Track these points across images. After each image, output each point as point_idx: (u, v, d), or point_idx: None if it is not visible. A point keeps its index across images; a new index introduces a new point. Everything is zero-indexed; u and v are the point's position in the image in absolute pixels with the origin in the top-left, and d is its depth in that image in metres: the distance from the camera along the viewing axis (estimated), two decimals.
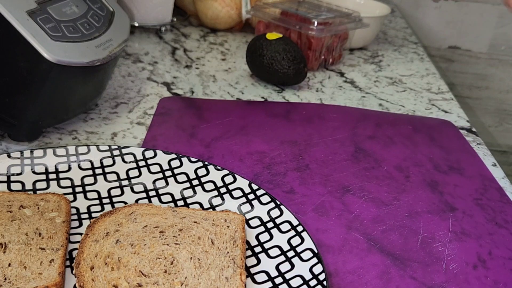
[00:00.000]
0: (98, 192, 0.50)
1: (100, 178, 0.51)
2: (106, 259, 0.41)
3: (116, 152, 0.53)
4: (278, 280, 0.42)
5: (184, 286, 0.40)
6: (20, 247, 0.41)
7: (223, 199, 0.50)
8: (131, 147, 0.54)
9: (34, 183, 0.50)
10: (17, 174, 0.50)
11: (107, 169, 0.52)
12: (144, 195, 0.51)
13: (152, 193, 0.51)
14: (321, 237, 0.49)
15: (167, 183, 0.52)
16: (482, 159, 0.66)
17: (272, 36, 0.77)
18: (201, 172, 0.52)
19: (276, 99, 0.76)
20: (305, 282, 0.41)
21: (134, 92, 0.74)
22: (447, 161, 0.64)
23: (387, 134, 0.68)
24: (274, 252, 0.45)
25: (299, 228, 0.46)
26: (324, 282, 0.41)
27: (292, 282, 0.42)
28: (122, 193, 0.50)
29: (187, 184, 0.52)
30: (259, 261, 0.44)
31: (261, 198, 0.50)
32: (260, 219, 0.48)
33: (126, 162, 0.53)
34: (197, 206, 0.50)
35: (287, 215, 0.47)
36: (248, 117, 0.69)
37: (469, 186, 0.60)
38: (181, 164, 0.53)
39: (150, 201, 0.50)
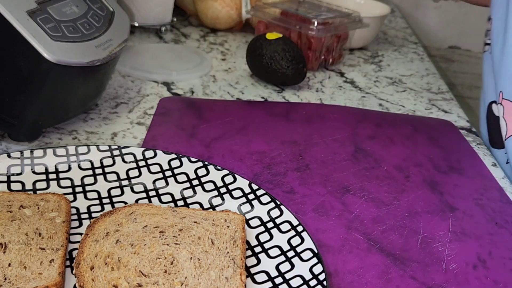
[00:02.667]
0: (98, 192, 0.50)
1: (100, 178, 0.51)
2: (106, 259, 0.41)
3: (116, 152, 0.53)
4: (278, 280, 0.42)
5: (184, 286, 0.40)
6: (20, 247, 0.41)
7: (223, 199, 0.50)
8: (131, 147, 0.54)
9: (34, 183, 0.50)
10: (17, 174, 0.50)
11: (107, 169, 0.52)
12: (144, 195, 0.51)
13: (152, 193, 0.51)
14: (321, 237, 0.49)
15: (167, 183, 0.52)
16: (482, 159, 0.66)
17: (271, 36, 0.77)
18: (201, 172, 0.52)
19: (276, 99, 0.76)
20: (305, 282, 0.41)
21: (134, 92, 0.74)
22: (447, 161, 0.64)
23: (387, 134, 0.68)
24: (274, 252, 0.45)
25: (299, 228, 0.46)
26: (324, 282, 0.41)
27: (292, 282, 0.42)
28: (122, 193, 0.50)
29: (187, 184, 0.52)
30: (259, 261, 0.44)
31: (261, 198, 0.50)
32: (260, 219, 0.48)
33: (126, 162, 0.53)
34: (197, 206, 0.50)
35: (287, 215, 0.47)
36: (248, 117, 0.69)
37: (469, 186, 0.60)
38: (181, 164, 0.53)
39: (150, 201, 0.50)
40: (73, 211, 0.48)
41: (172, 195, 0.51)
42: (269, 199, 0.49)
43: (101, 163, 0.52)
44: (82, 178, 0.51)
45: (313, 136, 0.66)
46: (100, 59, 0.56)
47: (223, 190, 0.51)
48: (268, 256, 0.45)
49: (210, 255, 0.43)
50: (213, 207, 0.50)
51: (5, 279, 0.38)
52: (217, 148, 0.61)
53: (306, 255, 0.44)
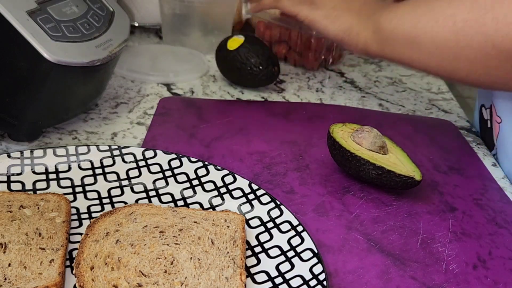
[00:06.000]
0: (98, 192, 0.50)
1: (100, 178, 0.51)
2: (106, 259, 0.41)
3: (116, 152, 0.53)
4: (278, 280, 0.42)
5: (184, 286, 0.40)
6: (20, 247, 0.41)
7: (223, 199, 0.50)
8: (131, 147, 0.54)
9: (34, 183, 0.50)
10: (17, 174, 0.50)
11: (107, 169, 0.52)
12: (144, 195, 0.51)
13: (152, 193, 0.51)
14: (321, 237, 0.49)
15: (167, 183, 0.52)
16: (482, 159, 0.66)
17: (232, 45, 0.74)
18: (201, 172, 0.52)
19: (276, 99, 0.76)
20: (305, 282, 0.41)
21: (134, 92, 0.74)
22: (447, 161, 0.64)
23: (387, 134, 0.68)
24: (274, 252, 0.45)
25: (299, 228, 0.46)
26: (324, 282, 0.41)
27: (292, 282, 0.42)
28: (122, 193, 0.50)
29: (187, 184, 0.52)
30: (259, 261, 0.44)
31: (261, 198, 0.50)
32: (260, 219, 0.48)
33: (126, 162, 0.53)
34: (197, 206, 0.50)
35: (287, 215, 0.47)
36: (248, 117, 0.69)
37: (469, 186, 0.60)
38: (181, 164, 0.53)
39: (150, 201, 0.50)
40: (73, 211, 0.48)
41: (172, 195, 0.51)
42: (269, 199, 0.49)
43: (101, 163, 0.52)
44: (82, 178, 0.51)
45: (313, 136, 0.66)
46: (100, 59, 0.56)
47: (223, 190, 0.51)
48: (268, 256, 0.45)
49: (210, 255, 0.43)
50: (213, 207, 0.50)
51: (5, 279, 0.38)
52: (217, 148, 0.61)
53: (306, 255, 0.44)
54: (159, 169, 0.53)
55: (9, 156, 0.50)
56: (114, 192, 0.50)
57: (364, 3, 0.68)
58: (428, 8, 0.58)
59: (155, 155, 0.54)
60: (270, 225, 0.47)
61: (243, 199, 0.50)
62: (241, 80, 0.76)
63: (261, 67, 0.72)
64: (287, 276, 0.42)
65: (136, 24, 0.93)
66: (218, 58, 0.77)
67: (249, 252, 0.45)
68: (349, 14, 0.68)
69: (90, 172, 0.52)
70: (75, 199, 0.49)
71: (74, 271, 0.41)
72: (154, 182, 0.52)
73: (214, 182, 0.52)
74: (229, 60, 0.74)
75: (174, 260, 0.42)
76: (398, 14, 0.61)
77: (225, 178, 0.52)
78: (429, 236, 0.51)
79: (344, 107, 0.75)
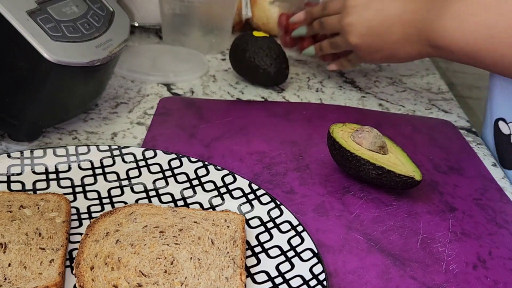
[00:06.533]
0: (98, 192, 0.50)
1: (100, 178, 0.51)
2: (106, 259, 0.41)
3: (116, 152, 0.53)
4: (278, 280, 0.42)
5: (184, 286, 0.40)
6: (20, 247, 0.41)
7: (223, 199, 0.50)
8: (131, 147, 0.54)
9: (34, 183, 0.50)
10: (17, 174, 0.50)
11: (107, 169, 0.52)
12: (144, 195, 0.51)
13: (152, 193, 0.51)
14: (321, 237, 0.49)
15: (167, 183, 0.52)
16: (482, 159, 0.66)
17: (258, 34, 0.77)
18: (201, 172, 0.52)
19: (276, 99, 0.76)
20: (305, 282, 0.41)
21: (134, 92, 0.74)
22: (447, 161, 0.64)
23: (387, 134, 0.68)
24: (274, 252, 0.45)
25: (299, 228, 0.46)
26: (324, 282, 0.41)
27: (292, 282, 0.42)
28: (122, 193, 0.50)
29: (187, 184, 0.52)
30: (259, 261, 0.44)
31: (261, 198, 0.50)
32: (260, 219, 0.48)
33: (126, 162, 0.53)
34: (197, 206, 0.50)
35: (287, 215, 0.47)
36: (248, 117, 0.69)
37: (469, 186, 0.60)
38: (181, 164, 0.53)
39: (150, 201, 0.50)
40: (73, 211, 0.48)
41: (172, 195, 0.51)
42: (269, 199, 0.49)
43: (101, 163, 0.52)
44: (82, 178, 0.51)
45: (313, 136, 0.66)
46: (100, 59, 0.56)
47: (223, 190, 0.51)
48: (268, 256, 0.45)
49: (210, 255, 0.43)
50: (213, 207, 0.50)
51: (5, 279, 0.38)
52: (217, 148, 0.61)
53: (306, 255, 0.44)
54: (159, 169, 0.53)
55: (9, 156, 0.50)
56: (114, 192, 0.50)
57: (401, 26, 0.68)
58: (476, 20, 0.60)
59: (155, 155, 0.54)
60: (270, 225, 0.47)
61: (243, 199, 0.50)
62: (251, 67, 0.76)
63: (277, 60, 0.75)
64: (287, 276, 0.42)
65: (136, 24, 0.93)
66: (239, 42, 0.77)
67: (249, 252, 0.45)
68: (401, 43, 0.68)
69: (90, 172, 0.52)
70: (75, 199, 0.49)
71: (74, 271, 0.41)
72: (154, 182, 0.52)
73: (214, 182, 0.52)
74: (252, 45, 0.75)
75: (174, 260, 0.42)
76: (447, 29, 0.62)
77: (225, 178, 0.52)
78: (429, 236, 0.51)
79: (344, 107, 0.75)
